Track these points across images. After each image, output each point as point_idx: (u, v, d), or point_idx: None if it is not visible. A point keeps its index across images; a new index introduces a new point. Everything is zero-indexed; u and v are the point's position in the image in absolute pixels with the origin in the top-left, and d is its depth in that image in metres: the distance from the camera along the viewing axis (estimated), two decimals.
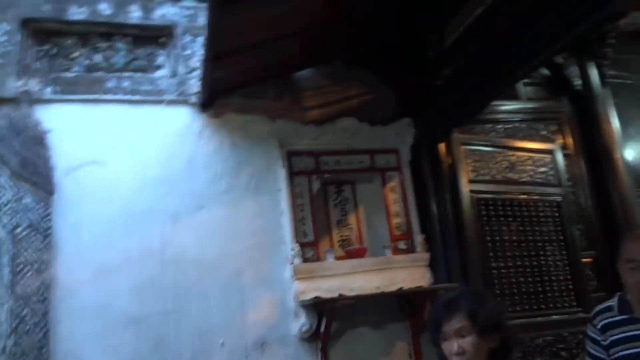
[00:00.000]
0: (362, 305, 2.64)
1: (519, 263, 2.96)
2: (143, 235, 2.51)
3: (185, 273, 2.51)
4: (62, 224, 2.45)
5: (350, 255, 2.69)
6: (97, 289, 2.41)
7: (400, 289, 2.62)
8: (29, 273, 2.35)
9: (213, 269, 2.55)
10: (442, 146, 3.00)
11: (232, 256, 2.59)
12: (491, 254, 2.89)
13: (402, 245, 2.82)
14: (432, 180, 2.94)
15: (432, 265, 2.79)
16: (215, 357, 2.46)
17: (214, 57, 2.39)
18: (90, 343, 2.35)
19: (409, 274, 2.70)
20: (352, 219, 2.87)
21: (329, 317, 2.51)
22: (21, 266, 2.35)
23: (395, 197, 2.89)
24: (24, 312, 2.30)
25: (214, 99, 2.75)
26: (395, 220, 2.86)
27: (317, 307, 2.53)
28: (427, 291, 2.64)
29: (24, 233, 2.39)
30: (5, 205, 2.40)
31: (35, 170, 2.50)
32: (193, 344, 2.45)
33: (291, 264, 2.57)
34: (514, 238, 3.00)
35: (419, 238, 2.81)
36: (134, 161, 2.60)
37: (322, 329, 2.52)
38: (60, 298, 2.38)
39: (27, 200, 2.44)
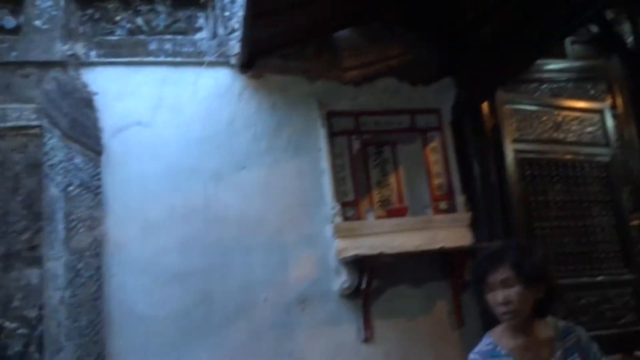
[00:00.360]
0: (403, 264, 2.66)
1: (563, 224, 2.92)
2: (187, 194, 2.58)
3: (228, 231, 2.58)
4: (110, 182, 2.54)
5: (391, 214, 2.70)
6: (145, 244, 2.51)
7: (441, 248, 2.61)
8: (82, 229, 2.46)
9: (255, 227, 2.60)
10: (485, 106, 2.94)
11: (274, 215, 2.63)
12: (535, 215, 2.85)
13: (443, 205, 2.80)
14: (474, 141, 2.89)
15: (474, 225, 2.77)
16: (258, 312, 2.53)
17: (253, 18, 2.39)
18: (140, 296, 2.45)
19: (449, 233, 2.68)
20: (392, 180, 2.86)
21: (370, 275, 2.54)
22: (74, 223, 2.46)
23: (436, 157, 2.86)
24: (79, 265, 2.41)
25: (253, 60, 2.75)
26: (436, 181, 2.83)
27: (358, 265, 2.56)
28: (469, 250, 2.62)
29: (76, 191, 2.49)
30: (57, 165, 2.51)
31: (84, 132, 2.59)
32: (237, 299, 2.53)
33: (332, 222, 2.60)
34: (559, 199, 2.95)
35: (460, 198, 2.78)
36: (177, 122, 2.66)
37: (363, 286, 2.55)
38: (111, 253, 2.48)
39: (78, 160, 2.53)
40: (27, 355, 2.36)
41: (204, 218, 2.57)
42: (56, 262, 2.41)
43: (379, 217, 2.70)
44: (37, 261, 2.44)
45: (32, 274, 2.43)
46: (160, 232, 2.52)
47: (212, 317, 2.49)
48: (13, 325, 2.37)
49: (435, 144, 2.87)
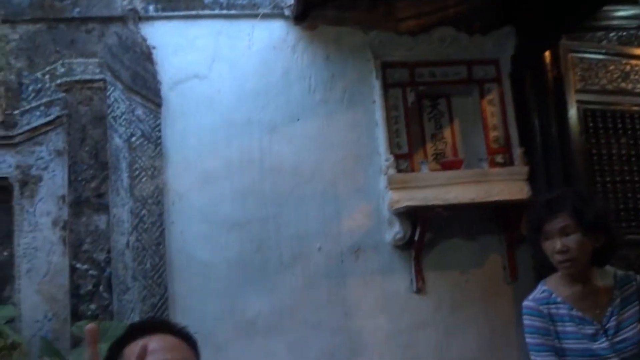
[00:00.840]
0: (457, 216, 2.64)
1: (627, 178, 2.79)
2: (243, 145, 2.63)
3: (283, 181, 2.63)
4: (170, 134, 2.62)
5: (445, 167, 2.66)
6: (203, 194, 2.59)
7: (497, 201, 2.57)
8: (144, 178, 2.57)
9: (309, 178, 2.64)
10: (546, 55, 2.81)
11: (328, 166, 2.66)
12: (597, 168, 2.75)
13: (499, 158, 2.73)
14: (534, 92, 2.78)
15: (531, 179, 2.69)
16: (312, 260, 2.59)
17: None
18: (199, 242, 2.56)
19: (505, 187, 2.63)
20: (446, 133, 2.81)
21: (423, 226, 2.54)
22: (137, 172, 2.57)
23: (493, 109, 2.78)
24: (142, 212, 2.53)
25: (307, 12, 2.73)
26: (493, 134, 2.76)
27: (411, 216, 2.57)
28: (525, 204, 2.56)
29: (138, 142, 2.59)
30: (120, 117, 2.61)
31: (144, 84, 2.66)
32: (292, 247, 2.59)
33: (385, 174, 2.60)
34: (624, 152, 2.82)
35: (517, 151, 2.71)
36: (233, 74, 2.69)
37: (415, 238, 2.56)
38: (171, 202, 2.58)
39: (139, 112, 2.62)
40: (97, 295, 2.53)
41: (259, 169, 2.62)
42: (121, 209, 2.54)
43: (432, 170, 2.67)
44: (104, 208, 2.58)
45: (100, 220, 2.58)
46: (217, 183, 2.60)
47: (267, 264, 2.57)
48: (84, 266, 2.53)
49: (492, 95, 2.78)
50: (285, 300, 2.55)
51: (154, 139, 2.61)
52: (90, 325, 0.87)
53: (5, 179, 2.54)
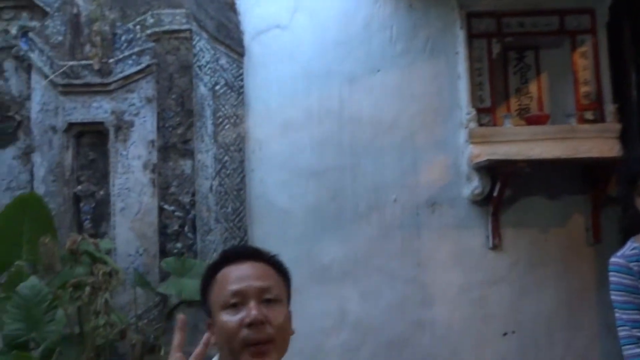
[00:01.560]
0: (539, 173, 2.55)
1: None
2: (322, 96, 2.66)
3: (361, 132, 2.64)
4: (251, 83, 2.68)
5: (530, 122, 2.57)
6: (282, 143, 2.66)
7: (584, 159, 2.46)
8: (227, 126, 2.66)
9: (388, 130, 2.64)
10: None
11: (407, 118, 2.64)
12: None
13: (589, 115, 2.60)
14: (632, 44, 2.60)
15: (623, 137, 2.54)
16: (387, 211, 2.61)
17: None
18: (278, 190, 2.64)
19: (594, 144, 2.50)
20: (532, 87, 2.70)
21: (503, 182, 2.48)
22: (220, 119, 2.67)
23: (585, 63, 2.62)
24: (225, 158, 2.64)
25: None
26: (583, 89, 2.62)
27: (491, 172, 2.51)
28: (615, 162, 2.43)
29: (222, 90, 2.68)
30: (205, 65, 2.70)
31: (228, 34, 2.73)
32: (368, 197, 2.62)
33: (466, 127, 2.54)
34: None
35: (610, 108, 2.55)
36: (314, 24, 2.69)
37: (494, 194, 2.51)
38: (252, 149, 2.67)
39: (222, 61, 2.70)
40: (182, 235, 2.69)
41: (338, 120, 2.65)
42: (205, 155, 2.66)
43: (516, 125, 2.58)
44: (189, 153, 2.72)
45: (186, 165, 2.72)
46: (296, 132, 2.65)
47: (343, 214, 2.62)
48: (171, 208, 2.69)
49: (585, 48, 2.63)
50: (359, 249, 2.61)
51: (237, 88, 2.69)
52: (181, 315, 0.94)
53: (101, 123, 2.72)
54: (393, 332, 2.59)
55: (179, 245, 2.68)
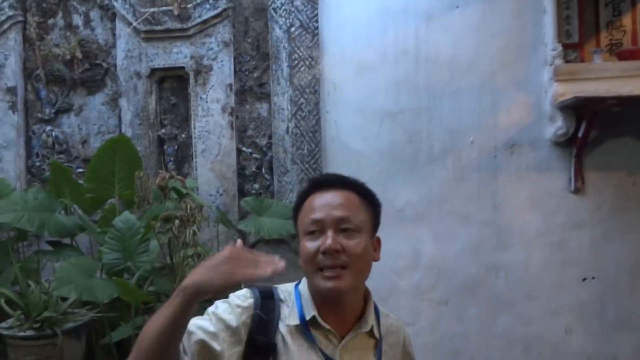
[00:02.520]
0: (630, 113, 2.41)
1: None
2: (398, 35, 2.60)
3: (438, 73, 2.58)
4: (326, 25, 2.67)
5: (622, 57, 2.41)
6: (357, 85, 2.65)
7: None
8: (302, 68, 2.68)
9: (466, 69, 2.56)
10: None
11: (486, 57, 2.54)
12: None
13: None
14: None
15: None
16: (464, 153, 2.57)
17: None
18: (352, 132, 2.66)
19: None
20: (626, 20, 2.51)
21: (589, 122, 2.36)
22: (296, 61, 2.69)
23: None
24: (300, 101, 2.67)
25: None
26: None
27: (577, 111, 2.40)
28: None
29: (297, 32, 2.68)
30: (280, 8, 2.70)
31: None
32: (443, 140, 2.59)
33: (550, 65, 2.42)
34: None
35: None
36: None
37: (579, 134, 2.40)
38: (327, 92, 2.69)
39: (297, 2, 2.69)
40: (260, 176, 2.78)
41: (414, 60, 2.60)
42: (281, 97, 2.70)
43: (606, 61, 2.43)
44: (265, 96, 2.77)
45: (262, 107, 2.78)
46: (371, 73, 2.63)
47: (418, 156, 2.61)
48: (249, 150, 2.78)
49: None
50: (434, 191, 2.60)
51: (312, 30, 2.68)
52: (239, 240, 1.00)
53: (182, 68, 2.82)
54: (467, 275, 2.59)
55: (256, 186, 2.78)
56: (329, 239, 1.06)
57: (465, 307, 2.60)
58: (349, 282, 1.07)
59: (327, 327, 1.10)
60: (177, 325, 0.93)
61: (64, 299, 2.38)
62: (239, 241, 0.98)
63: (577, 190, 2.50)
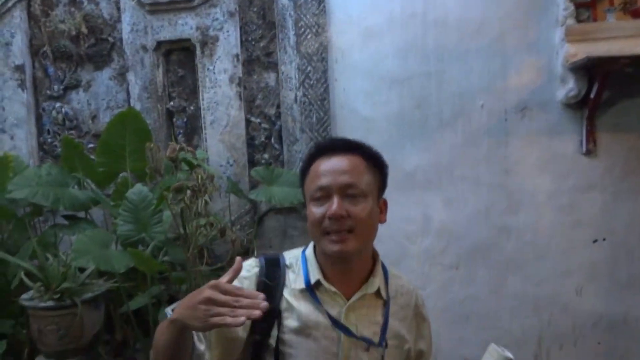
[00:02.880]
0: None
1: None
2: None
3: (447, 36, 2.54)
4: None
5: (636, 15, 2.35)
6: (365, 51, 2.62)
7: None
8: (309, 36, 2.66)
9: (475, 32, 2.52)
10: None
11: (496, 19, 2.50)
12: None
13: None
14: None
15: None
16: (474, 117, 2.55)
17: None
18: (361, 98, 2.64)
19: None
20: None
21: (602, 83, 2.33)
22: (302, 29, 2.66)
23: None
24: (308, 69, 2.65)
25: None
26: None
27: (589, 72, 2.36)
28: None
29: (302, 0, 2.64)
30: None
31: None
32: (453, 104, 2.57)
33: (562, 25, 2.38)
34: None
35: None
36: None
37: (591, 95, 2.37)
38: (334, 59, 2.66)
39: None
40: (269, 146, 2.79)
41: (422, 23, 2.56)
42: (289, 66, 2.69)
43: (620, 20, 2.38)
44: (272, 65, 2.76)
45: (270, 77, 2.77)
46: (379, 39, 2.60)
47: (427, 121, 2.59)
48: (257, 120, 2.78)
49: None
50: (443, 157, 2.59)
51: None
52: (238, 258, 0.99)
53: (188, 40, 2.80)
54: (477, 238, 2.61)
55: (266, 155, 2.79)
56: (334, 205, 1.08)
57: (476, 270, 2.62)
58: (354, 245, 1.10)
59: (333, 289, 1.13)
60: (180, 342, 0.99)
61: (82, 271, 2.44)
62: (238, 259, 0.97)
63: (588, 153, 2.49)
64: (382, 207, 1.20)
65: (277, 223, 2.76)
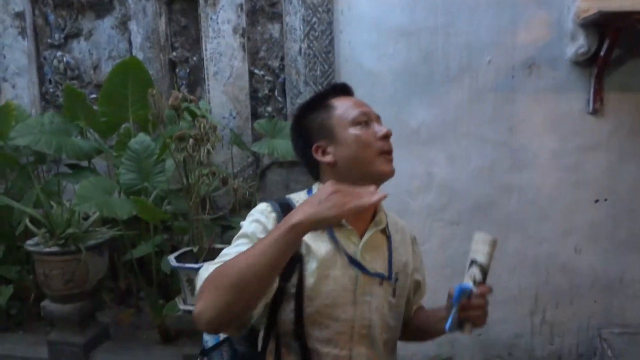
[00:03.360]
0: None
1: None
2: None
3: None
4: None
5: None
6: (371, 2, 2.55)
7: None
8: None
9: None
10: None
11: None
12: None
13: None
14: None
15: None
16: (481, 73, 2.51)
17: None
18: (367, 51, 2.59)
19: None
20: None
21: (612, 40, 2.28)
22: None
23: None
24: (313, 20, 2.60)
25: None
26: None
27: (599, 29, 2.31)
28: None
29: None
30: None
31: None
32: (460, 59, 2.52)
33: None
34: None
35: None
36: None
37: (601, 53, 2.33)
38: (340, 10, 2.60)
39: None
40: (272, 98, 2.76)
41: None
42: (294, 17, 2.63)
43: None
44: (277, 16, 2.70)
45: (274, 28, 2.72)
46: None
47: (433, 76, 2.55)
48: (261, 72, 2.74)
49: None
50: (449, 113, 2.57)
51: None
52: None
53: None
54: (479, 195, 2.61)
55: (269, 109, 2.77)
56: (383, 127, 1.14)
57: (477, 228, 2.60)
58: None
59: (349, 226, 1.14)
60: (284, 262, 0.92)
61: (86, 218, 2.46)
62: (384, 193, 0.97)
63: (595, 112, 2.46)
64: None
65: (279, 177, 2.77)
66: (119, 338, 2.59)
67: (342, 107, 1.16)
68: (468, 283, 1.04)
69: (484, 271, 1.05)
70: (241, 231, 1.09)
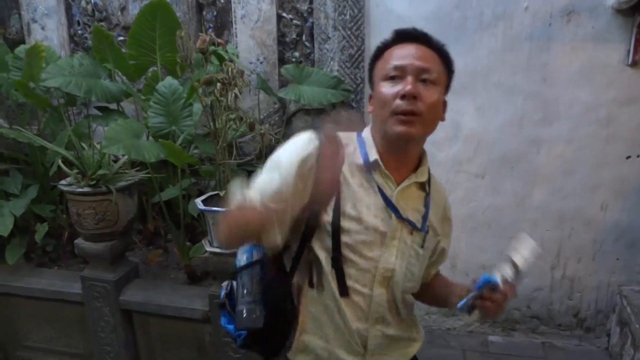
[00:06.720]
0: None
1: None
2: None
3: None
4: None
5: None
6: None
7: None
8: None
9: None
10: None
11: None
12: None
13: None
14: None
15: None
16: (516, 20, 2.42)
17: None
18: None
19: None
20: None
21: None
22: None
23: None
24: None
25: None
26: None
27: None
28: None
29: None
30: None
31: None
32: (495, 5, 2.43)
33: None
34: None
35: None
36: None
37: None
38: None
39: None
40: (300, 43, 2.72)
41: None
42: None
43: None
44: None
45: None
46: None
47: (466, 22, 2.47)
48: (289, 16, 2.69)
49: None
50: (480, 61, 2.50)
51: None
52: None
53: None
54: (507, 148, 2.57)
55: (296, 54, 2.74)
56: (409, 85, 1.09)
57: (502, 180, 2.62)
58: (418, 129, 1.10)
59: (387, 172, 1.15)
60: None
61: (116, 161, 2.51)
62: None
63: (634, 64, 2.36)
64: (444, 105, 1.21)
65: (305, 124, 2.76)
66: (147, 277, 2.69)
67: (386, 58, 1.15)
68: (496, 277, 1.05)
69: (516, 273, 1.05)
70: (278, 157, 1.15)
